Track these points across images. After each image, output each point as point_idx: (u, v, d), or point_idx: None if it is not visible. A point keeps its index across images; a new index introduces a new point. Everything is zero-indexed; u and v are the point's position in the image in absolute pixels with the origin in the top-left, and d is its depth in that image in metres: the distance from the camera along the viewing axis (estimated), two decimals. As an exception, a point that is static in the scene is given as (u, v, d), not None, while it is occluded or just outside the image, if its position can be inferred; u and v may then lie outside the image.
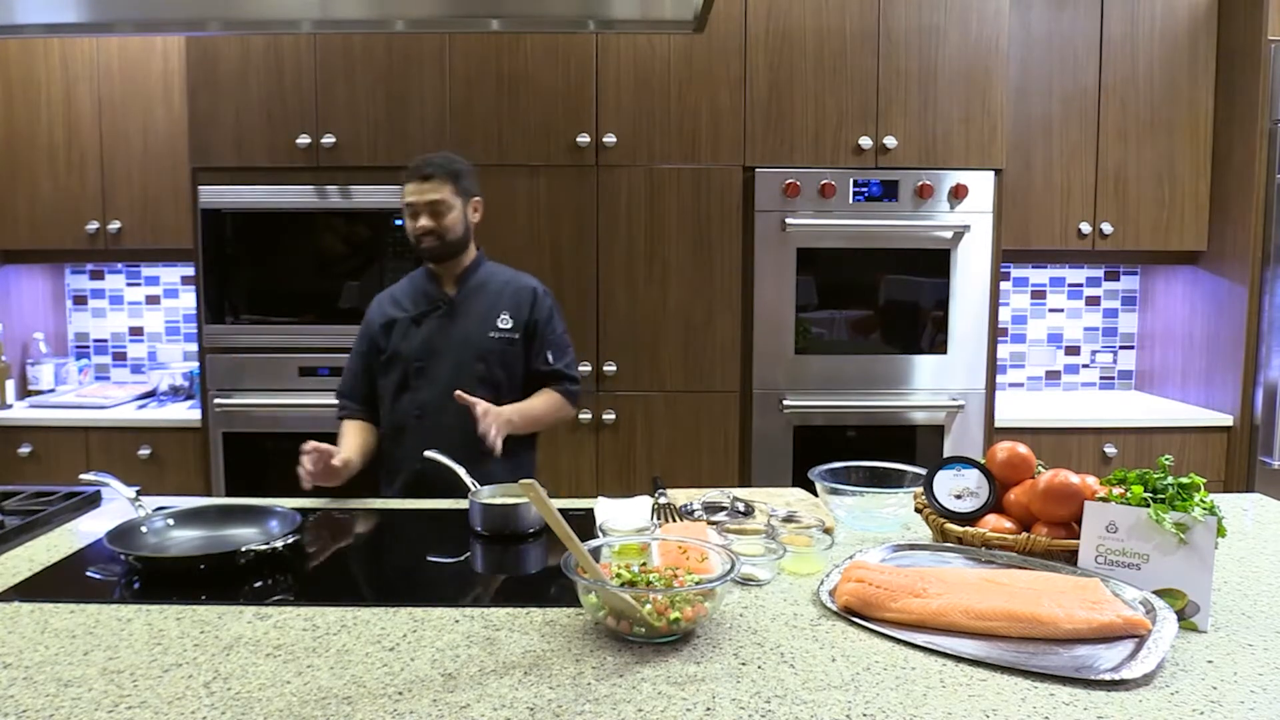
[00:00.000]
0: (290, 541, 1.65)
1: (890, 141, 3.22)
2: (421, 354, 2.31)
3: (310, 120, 3.20)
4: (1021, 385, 4.02)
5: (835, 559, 1.59)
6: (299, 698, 1.14)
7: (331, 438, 3.17)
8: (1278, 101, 3.24)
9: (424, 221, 2.27)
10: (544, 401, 2.34)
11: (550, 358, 2.37)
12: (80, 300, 3.93)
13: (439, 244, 2.29)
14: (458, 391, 2.14)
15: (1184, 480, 1.42)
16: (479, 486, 1.94)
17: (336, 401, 2.41)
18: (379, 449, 2.34)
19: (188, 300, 3.89)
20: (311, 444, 2.02)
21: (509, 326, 2.33)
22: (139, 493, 1.85)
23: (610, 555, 1.50)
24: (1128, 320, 4.00)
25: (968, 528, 1.61)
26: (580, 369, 3.20)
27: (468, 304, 2.34)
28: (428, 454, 2.06)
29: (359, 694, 1.15)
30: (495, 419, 2.12)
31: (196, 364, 3.54)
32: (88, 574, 1.62)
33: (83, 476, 1.92)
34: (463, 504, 1.93)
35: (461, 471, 1.99)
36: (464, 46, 3.18)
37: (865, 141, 3.23)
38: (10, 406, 3.48)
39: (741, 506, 1.88)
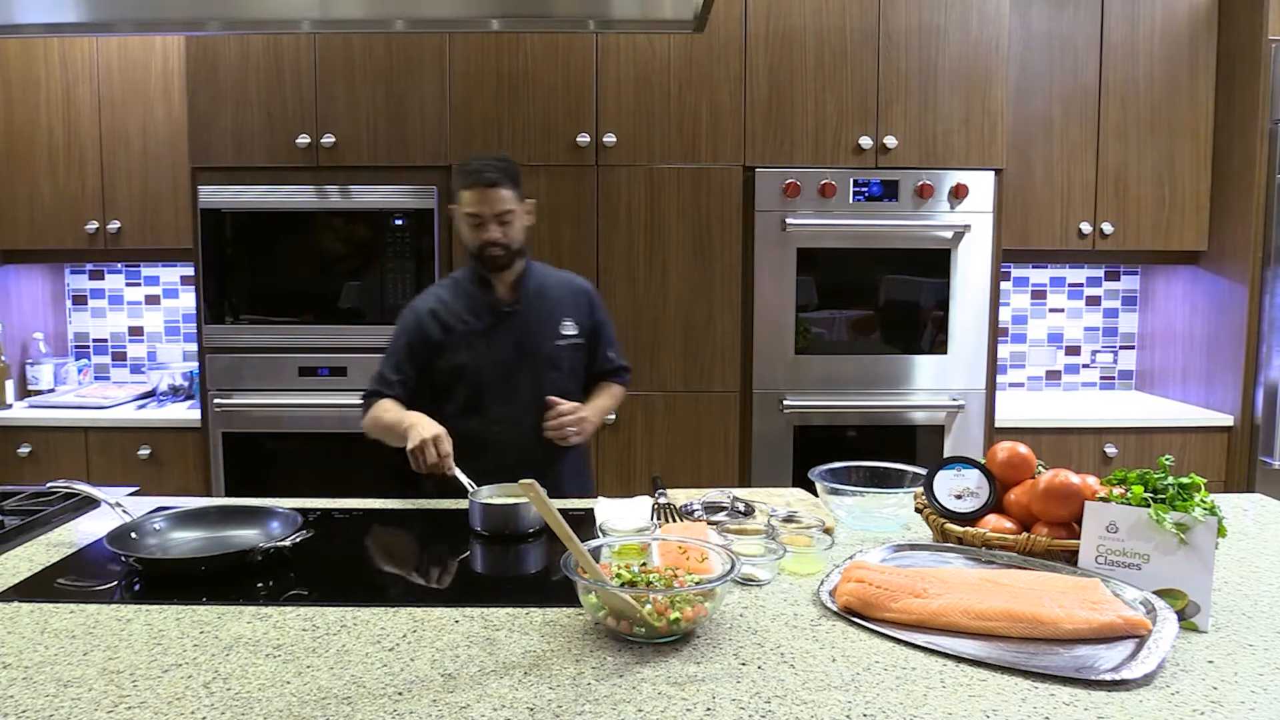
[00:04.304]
0: (291, 542, 1.65)
1: (890, 141, 3.22)
2: (496, 368, 2.24)
3: (310, 120, 3.20)
4: (1022, 385, 4.02)
5: (835, 559, 1.59)
6: (299, 698, 1.14)
7: (331, 438, 3.20)
8: (1278, 101, 3.23)
9: (493, 234, 2.15)
10: (611, 395, 2.40)
11: (612, 355, 2.41)
12: (80, 300, 3.93)
13: (505, 254, 2.18)
14: (550, 396, 2.17)
15: (1184, 480, 1.42)
16: (477, 487, 1.94)
17: (371, 388, 2.24)
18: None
19: (187, 300, 3.89)
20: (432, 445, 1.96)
21: (574, 332, 2.31)
22: (133, 493, 1.85)
23: (610, 555, 1.50)
24: (1128, 320, 4.00)
25: (968, 528, 1.61)
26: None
27: (531, 312, 2.27)
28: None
29: (359, 694, 1.15)
30: (586, 424, 2.20)
31: (196, 364, 3.54)
32: (88, 574, 1.61)
33: (50, 485, 1.90)
34: (463, 504, 1.93)
35: (459, 473, 1.99)
36: (464, 46, 3.17)
37: (865, 141, 3.23)
38: (10, 406, 3.48)
39: (741, 506, 1.88)
